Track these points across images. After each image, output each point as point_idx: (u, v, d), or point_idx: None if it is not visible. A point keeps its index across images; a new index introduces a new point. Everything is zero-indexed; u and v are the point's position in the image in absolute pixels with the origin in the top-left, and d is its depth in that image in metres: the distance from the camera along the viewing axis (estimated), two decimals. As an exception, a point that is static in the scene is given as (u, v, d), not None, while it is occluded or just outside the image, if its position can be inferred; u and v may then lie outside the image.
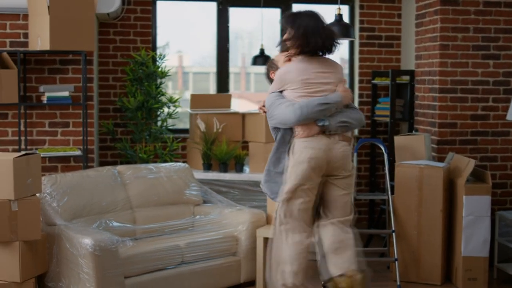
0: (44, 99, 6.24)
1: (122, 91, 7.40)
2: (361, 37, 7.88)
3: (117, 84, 7.47)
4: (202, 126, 6.83)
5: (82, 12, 6.07)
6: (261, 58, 7.56)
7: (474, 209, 5.79)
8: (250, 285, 5.83)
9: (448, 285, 6.02)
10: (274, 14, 8.01)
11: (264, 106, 4.33)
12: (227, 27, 7.83)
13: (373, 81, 7.65)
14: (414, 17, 7.24)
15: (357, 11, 7.90)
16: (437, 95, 6.65)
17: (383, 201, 7.11)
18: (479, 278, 5.82)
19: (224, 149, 6.73)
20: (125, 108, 7.03)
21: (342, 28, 5.57)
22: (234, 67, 8.94)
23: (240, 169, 6.78)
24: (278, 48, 4.58)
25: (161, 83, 7.16)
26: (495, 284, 6.10)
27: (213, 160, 6.83)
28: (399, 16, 7.90)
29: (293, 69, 4.16)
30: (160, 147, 7.13)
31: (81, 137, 6.39)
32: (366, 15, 7.88)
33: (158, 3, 7.71)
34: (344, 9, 7.99)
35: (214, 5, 7.82)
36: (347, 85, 4.23)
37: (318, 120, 4.06)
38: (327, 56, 4.32)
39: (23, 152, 5.04)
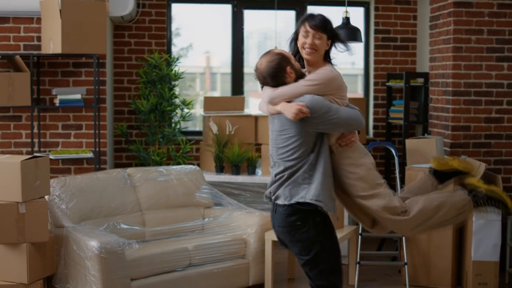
0: (57, 101, 6.30)
1: (136, 93, 7.45)
2: (376, 39, 7.85)
3: (131, 86, 7.52)
4: (214, 128, 6.85)
5: (94, 15, 6.12)
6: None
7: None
8: (259, 288, 5.85)
9: (458, 290, 5.99)
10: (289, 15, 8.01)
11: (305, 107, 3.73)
12: (242, 29, 7.85)
13: (387, 84, 7.61)
14: (428, 19, 7.20)
15: (372, 13, 7.87)
16: (450, 97, 6.60)
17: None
18: (489, 282, 5.77)
19: (236, 152, 6.74)
20: (138, 110, 7.08)
21: (350, 32, 5.55)
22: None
23: (252, 172, 6.79)
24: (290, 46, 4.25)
25: (174, 86, 7.19)
26: (506, 289, 6.06)
27: (226, 162, 6.85)
28: (415, 18, 7.85)
29: (338, 76, 3.89)
30: (173, 149, 7.17)
31: (94, 139, 6.45)
32: (381, 17, 7.84)
33: (174, 6, 7.74)
34: (359, 11, 7.97)
35: (229, 7, 7.84)
36: None
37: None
38: None
39: (31, 155, 5.09)
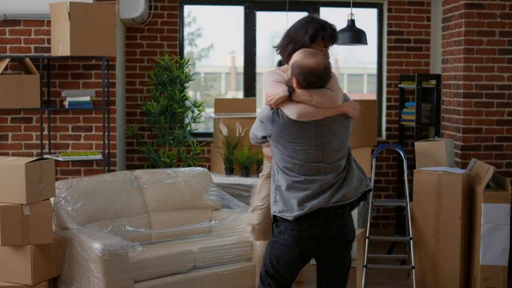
0: (66, 104, 6.34)
1: (148, 95, 7.48)
2: (389, 40, 7.79)
3: (143, 88, 7.55)
4: (224, 130, 6.85)
5: (102, 18, 6.15)
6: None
7: (492, 217, 5.68)
8: (265, 291, 5.83)
9: (467, 294, 5.93)
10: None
11: None
12: (254, 30, 7.84)
13: (399, 85, 7.56)
14: (441, 21, 7.14)
15: (385, 14, 7.82)
16: (462, 99, 6.54)
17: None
18: (497, 287, 5.70)
19: (245, 154, 6.74)
20: (149, 112, 7.10)
21: (355, 34, 5.52)
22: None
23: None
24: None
25: (185, 87, 7.21)
26: (516, 293, 5.99)
27: (235, 164, 6.85)
28: (428, 19, 7.79)
29: None
30: (184, 151, 7.18)
31: (105, 141, 6.49)
32: (395, 18, 7.79)
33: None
34: (373, 12, 7.93)
35: (241, 9, 7.85)
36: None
37: None
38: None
39: (36, 157, 5.13)
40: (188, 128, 7.23)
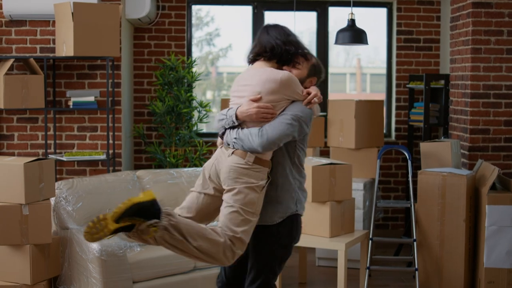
0: (70, 104, 6.36)
1: (155, 95, 7.48)
2: (398, 40, 7.73)
3: (151, 88, 7.55)
4: (230, 130, 6.81)
5: (106, 18, 6.16)
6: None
7: (497, 219, 5.60)
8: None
9: (472, 297, 5.86)
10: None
11: None
12: (263, 30, 7.80)
13: (408, 85, 7.49)
14: (449, 20, 7.06)
15: (394, 13, 7.75)
16: (469, 100, 6.46)
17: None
18: (502, 290, 5.64)
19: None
20: (154, 112, 7.10)
21: (355, 34, 5.47)
22: (349, 67, 8.98)
23: (268, 174, 6.73)
24: None
25: (191, 88, 7.20)
26: (522, 297, 5.90)
27: (241, 165, 6.80)
28: (438, 18, 7.71)
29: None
30: (190, 152, 7.17)
31: (109, 141, 6.50)
32: (404, 18, 7.72)
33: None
34: (382, 12, 7.87)
35: (249, 9, 7.82)
36: (262, 102, 3.71)
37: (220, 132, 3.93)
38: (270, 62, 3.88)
39: (36, 157, 5.14)
40: (195, 128, 7.22)
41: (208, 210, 3.91)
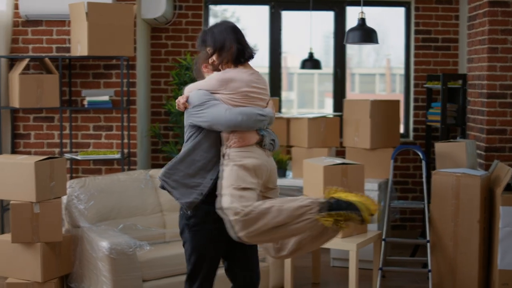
0: (85, 103, 6.40)
1: (171, 95, 7.50)
2: (416, 39, 7.67)
3: (168, 88, 7.57)
4: (245, 130, 6.81)
5: (120, 18, 6.19)
6: (310, 62, 7.48)
7: (511, 220, 5.53)
8: (279, 292, 5.80)
9: (486, 299, 5.79)
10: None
11: (186, 101, 3.90)
12: (280, 30, 7.80)
13: (425, 85, 7.43)
14: (466, 19, 6.99)
15: (412, 13, 7.69)
16: (485, 100, 6.39)
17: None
18: (516, 292, 5.56)
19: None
20: (170, 111, 7.12)
21: (365, 33, 5.42)
22: (379, 68, 8.93)
23: (283, 174, 6.72)
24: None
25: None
26: (538, 299, 5.81)
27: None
28: (457, 18, 7.64)
29: (237, 79, 3.95)
30: (206, 151, 7.16)
31: (125, 140, 6.53)
32: (422, 17, 7.66)
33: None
34: (400, 11, 7.82)
35: (266, 8, 7.82)
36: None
37: (260, 130, 3.91)
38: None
39: (47, 156, 5.19)
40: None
41: None
